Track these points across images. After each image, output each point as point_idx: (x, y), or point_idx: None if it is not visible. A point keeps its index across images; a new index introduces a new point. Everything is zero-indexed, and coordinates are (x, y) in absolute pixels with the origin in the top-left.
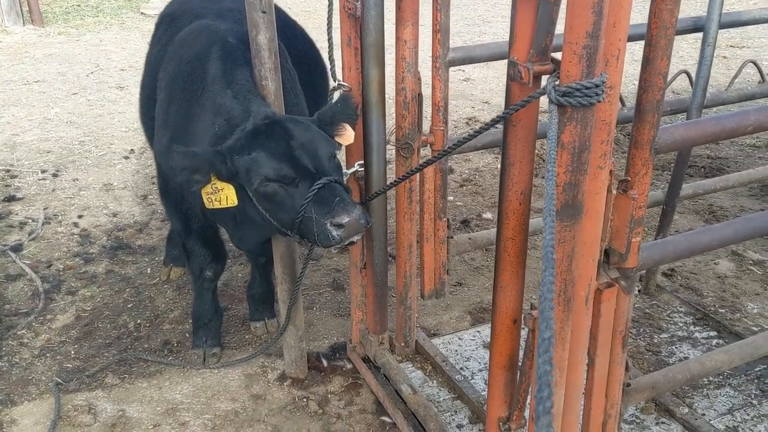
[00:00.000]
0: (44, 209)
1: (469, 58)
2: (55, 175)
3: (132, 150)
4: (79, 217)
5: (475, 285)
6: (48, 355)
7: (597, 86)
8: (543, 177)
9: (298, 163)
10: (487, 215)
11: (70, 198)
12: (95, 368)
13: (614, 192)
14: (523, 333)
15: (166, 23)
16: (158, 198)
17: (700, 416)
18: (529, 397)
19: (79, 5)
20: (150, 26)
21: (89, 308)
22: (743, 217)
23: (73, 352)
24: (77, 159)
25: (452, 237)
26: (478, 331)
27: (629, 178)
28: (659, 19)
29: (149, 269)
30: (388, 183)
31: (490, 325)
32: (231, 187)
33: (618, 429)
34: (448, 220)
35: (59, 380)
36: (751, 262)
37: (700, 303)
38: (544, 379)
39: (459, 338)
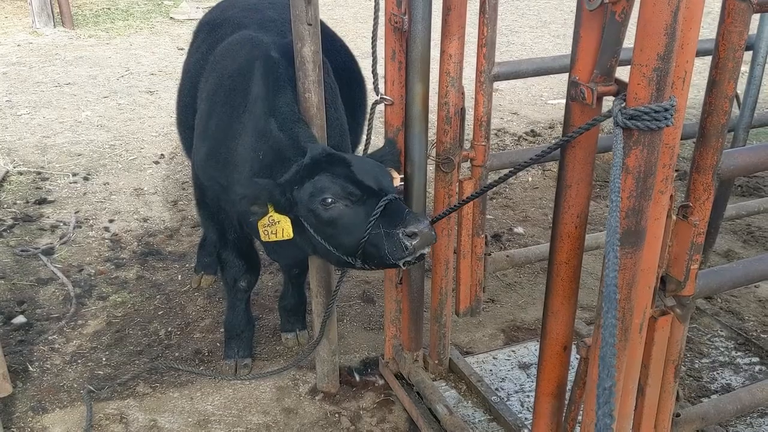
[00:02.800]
0: (75, 213)
1: (515, 73)
2: (86, 179)
3: (162, 155)
4: (110, 221)
5: (507, 302)
6: (79, 361)
7: (666, 110)
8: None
9: (362, 184)
10: (519, 230)
11: (101, 202)
12: (127, 376)
13: (674, 217)
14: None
15: (206, 31)
16: (188, 204)
17: None
18: (577, 427)
19: (109, 8)
20: (179, 31)
21: (120, 314)
22: None
23: (104, 359)
24: (108, 163)
25: (490, 254)
26: (512, 351)
27: (690, 204)
28: (727, 41)
29: (180, 276)
30: (429, 198)
31: (525, 344)
32: (287, 219)
33: None
34: (486, 236)
35: (91, 388)
36: None
37: (741, 327)
38: None
39: (494, 357)
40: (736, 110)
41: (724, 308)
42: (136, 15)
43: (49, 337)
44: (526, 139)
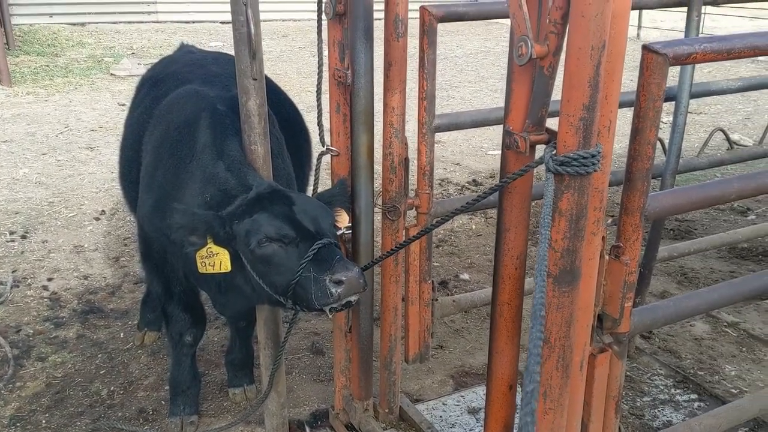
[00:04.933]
0: (12, 272)
1: (455, 124)
2: (23, 237)
3: (103, 211)
4: (49, 280)
5: (456, 348)
6: (18, 424)
7: (593, 156)
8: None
9: (299, 225)
10: (465, 276)
11: (39, 260)
12: None
13: (606, 257)
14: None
15: (149, 86)
16: (131, 260)
17: None
18: None
19: (47, 66)
20: (120, 87)
21: (60, 375)
22: (727, 282)
23: (44, 422)
24: (46, 220)
25: (437, 299)
26: (462, 396)
27: (621, 244)
28: (647, 92)
29: (122, 334)
30: (376, 247)
31: (473, 389)
32: (226, 252)
33: None
34: (432, 282)
35: None
36: (725, 324)
37: (679, 365)
38: (525, 429)
39: (443, 404)
40: (663, 157)
41: (662, 347)
42: (75, 72)
43: None
44: (469, 189)
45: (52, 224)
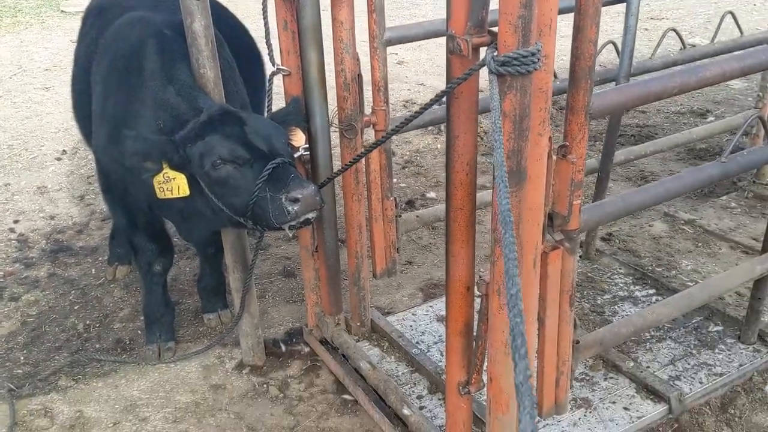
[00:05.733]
0: None
1: (406, 37)
2: None
3: (64, 151)
4: (15, 222)
5: (424, 263)
6: None
7: (533, 54)
8: (482, 154)
9: (252, 146)
10: (431, 194)
11: (3, 203)
12: (47, 372)
13: (554, 157)
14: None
15: (94, 16)
16: (96, 198)
17: (644, 369)
18: (486, 360)
19: None
20: (72, 24)
21: (34, 313)
22: (673, 175)
23: (22, 358)
24: (7, 164)
25: (400, 216)
26: (430, 306)
27: (567, 144)
28: None
29: (93, 270)
30: (334, 165)
31: (442, 299)
32: (183, 176)
33: (570, 385)
34: (395, 199)
35: (11, 386)
36: (682, 222)
37: (638, 264)
38: (517, 329)
39: (413, 314)
40: (617, 61)
41: (622, 248)
42: (24, 11)
43: None
44: (439, 105)
45: (14, 167)
